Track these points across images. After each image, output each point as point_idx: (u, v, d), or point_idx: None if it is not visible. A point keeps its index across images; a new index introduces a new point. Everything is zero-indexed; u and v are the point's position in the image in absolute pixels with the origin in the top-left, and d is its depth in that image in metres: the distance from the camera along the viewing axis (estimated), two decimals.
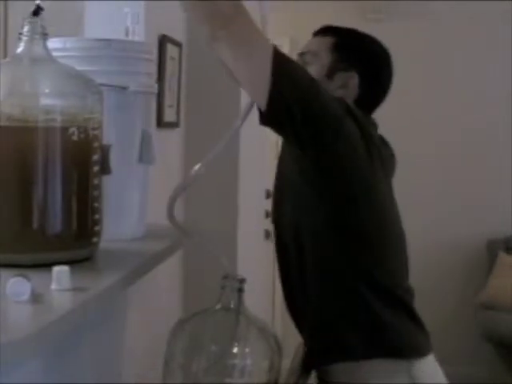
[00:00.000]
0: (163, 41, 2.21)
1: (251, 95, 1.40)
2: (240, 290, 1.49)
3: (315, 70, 1.61)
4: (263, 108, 1.37)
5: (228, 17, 1.32)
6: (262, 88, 1.35)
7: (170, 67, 2.31)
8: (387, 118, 4.29)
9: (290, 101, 1.37)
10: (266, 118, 1.39)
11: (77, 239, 1.33)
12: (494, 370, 4.08)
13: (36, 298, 1.08)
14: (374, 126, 1.67)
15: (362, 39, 1.70)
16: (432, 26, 4.20)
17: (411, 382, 1.50)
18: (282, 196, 1.64)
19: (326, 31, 1.69)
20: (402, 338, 1.54)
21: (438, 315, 3.88)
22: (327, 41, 1.66)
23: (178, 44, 2.38)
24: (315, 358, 1.61)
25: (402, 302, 1.57)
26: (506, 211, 4.16)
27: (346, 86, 1.63)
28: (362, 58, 1.66)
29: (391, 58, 1.71)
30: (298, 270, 1.60)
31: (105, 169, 1.40)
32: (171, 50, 2.30)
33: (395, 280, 1.58)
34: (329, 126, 1.42)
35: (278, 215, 1.68)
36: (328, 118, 1.43)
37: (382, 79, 1.70)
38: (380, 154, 1.56)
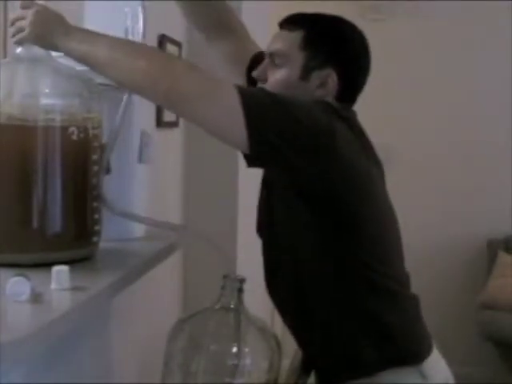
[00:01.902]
0: (163, 40, 2.21)
1: (229, 144, 1.36)
2: (240, 290, 1.49)
3: (288, 72, 1.49)
4: (247, 153, 1.32)
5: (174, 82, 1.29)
6: (239, 136, 1.29)
7: None
8: (387, 118, 4.30)
9: (273, 141, 1.31)
10: (253, 163, 1.36)
11: (76, 239, 1.33)
12: (495, 369, 4.08)
13: (36, 298, 1.08)
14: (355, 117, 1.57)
15: (333, 26, 1.55)
16: (432, 26, 4.20)
17: (422, 380, 1.49)
18: (271, 209, 1.55)
19: (292, 23, 1.53)
20: (412, 346, 1.52)
21: (438, 315, 3.88)
22: (295, 36, 1.50)
23: (177, 44, 2.38)
24: (328, 377, 1.56)
25: (407, 304, 1.55)
26: (506, 211, 4.16)
27: (325, 85, 1.50)
28: (337, 49, 1.52)
29: (365, 37, 1.57)
30: (296, 294, 1.53)
31: (105, 168, 1.40)
32: (171, 49, 2.30)
33: (399, 282, 1.55)
34: (320, 145, 1.35)
35: (268, 231, 1.59)
36: (317, 138, 1.35)
37: (361, 66, 1.56)
38: (373, 153, 1.53)
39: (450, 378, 1.58)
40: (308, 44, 1.49)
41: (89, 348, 1.59)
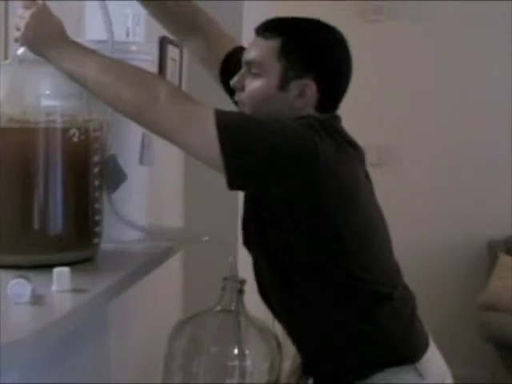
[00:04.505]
0: (164, 42, 2.21)
1: (208, 166, 1.36)
2: (240, 292, 1.49)
3: (266, 82, 1.45)
4: (224, 176, 1.32)
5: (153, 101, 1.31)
6: (219, 166, 1.31)
7: (171, 68, 2.31)
8: (387, 119, 4.27)
9: (250, 172, 1.33)
10: (234, 188, 1.36)
11: (77, 240, 1.33)
12: (495, 371, 4.07)
13: (36, 300, 1.08)
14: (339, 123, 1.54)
15: (310, 34, 1.49)
16: (433, 27, 4.19)
17: (419, 378, 1.49)
18: (256, 221, 1.51)
19: (268, 31, 1.48)
20: (408, 346, 1.51)
21: (438, 316, 3.88)
22: (272, 45, 1.45)
23: (178, 45, 2.38)
24: (324, 381, 1.55)
25: (401, 304, 1.54)
26: (507, 212, 4.15)
27: (303, 95, 1.45)
28: (316, 59, 1.47)
29: (345, 41, 1.50)
30: (286, 305, 1.52)
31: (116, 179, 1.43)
32: (172, 51, 2.30)
33: (389, 284, 1.55)
34: (302, 171, 1.34)
35: (253, 243, 1.55)
36: (299, 165, 1.34)
37: (342, 73, 1.51)
38: (361, 164, 1.50)
39: (448, 374, 1.58)
40: (285, 54, 1.44)
41: (89, 350, 1.59)
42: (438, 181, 4.26)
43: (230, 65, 1.61)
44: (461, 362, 3.54)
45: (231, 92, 1.55)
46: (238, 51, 1.59)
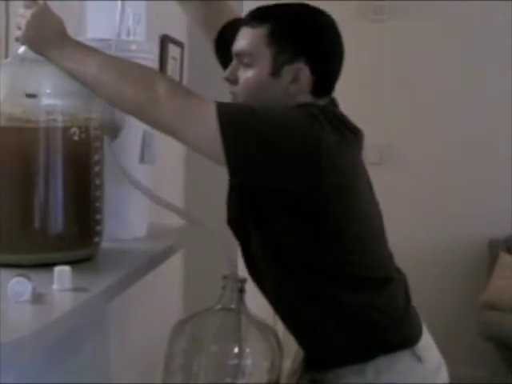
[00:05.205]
0: (164, 41, 2.21)
1: (211, 160, 1.37)
2: (241, 290, 1.49)
3: (258, 71, 1.45)
4: (227, 169, 1.34)
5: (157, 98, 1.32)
6: (222, 162, 1.32)
7: (172, 67, 2.31)
8: (388, 118, 4.27)
9: (252, 167, 1.35)
10: (235, 179, 1.38)
11: (78, 239, 1.33)
12: (495, 370, 4.08)
13: (37, 298, 1.08)
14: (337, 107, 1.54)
15: (298, 17, 1.48)
16: (434, 27, 4.20)
17: (418, 362, 1.50)
18: (249, 211, 1.50)
19: (256, 19, 1.47)
20: (405, 330, 1.53)
21: (438, 315, 3.87)
22: (260, 33, 1.44)
23: (179, 44, 2.38)
24: (324, 365, 1.55)
25: (396, 288, 1.55)
26: (507, 211, 4.16)
27: (297, 80, 1.44)
28: (306, 41, 1.45)
29: (335, 23, 1.50)
30: (282, 295, 1.52)
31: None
32: (173, 49, 2.30)
33: (386, 269, 1.55)
34: (304, 166, 1.35)
35: (245, 231, 1.53)
36: (300, 159, 1.35)
37: (334, 55, 1.50)
38: (359, 154, 1.51)
39: (443, 362, 1.59)
40: (274, 39, 1.44)
41: (89, 349, 1.59)
42: (439, 180, 4.26)
43: (226, 35, 1.62)
44: (461, 361, 3.54)
45: (224, 64, 1.55)
46: (236, 23, 1.59)
